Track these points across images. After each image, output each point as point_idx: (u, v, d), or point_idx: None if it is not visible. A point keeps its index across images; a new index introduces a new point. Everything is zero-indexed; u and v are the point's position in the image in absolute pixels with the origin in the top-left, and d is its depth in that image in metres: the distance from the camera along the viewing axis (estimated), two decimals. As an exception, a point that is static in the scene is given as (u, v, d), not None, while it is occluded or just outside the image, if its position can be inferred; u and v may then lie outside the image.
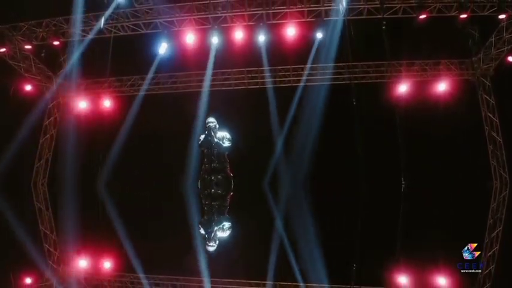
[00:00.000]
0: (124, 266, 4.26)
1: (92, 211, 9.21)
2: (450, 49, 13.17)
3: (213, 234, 5.73)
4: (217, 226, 6.40)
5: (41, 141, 14.88)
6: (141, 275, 3.81)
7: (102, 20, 11.09)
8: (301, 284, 3.56)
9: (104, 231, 6.27)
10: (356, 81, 13.72)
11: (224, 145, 10.71)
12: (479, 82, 13.31)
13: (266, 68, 13.76)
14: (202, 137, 10.75)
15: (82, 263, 4.44)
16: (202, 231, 6.18)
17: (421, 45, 12.72)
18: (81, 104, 15.04)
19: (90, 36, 11.67)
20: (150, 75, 13.93)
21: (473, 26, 11.90)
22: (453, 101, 12.92)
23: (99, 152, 13.33)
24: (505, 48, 12.04)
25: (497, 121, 12.94)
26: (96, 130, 13.93)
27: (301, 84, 14.18)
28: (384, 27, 11.04)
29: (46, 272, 3.94)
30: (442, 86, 13.49)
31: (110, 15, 11.45)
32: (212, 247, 4.97)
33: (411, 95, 13.44)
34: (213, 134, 10.52)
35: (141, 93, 14.51)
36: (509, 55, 12.19)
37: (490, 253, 4.19)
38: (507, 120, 12.70)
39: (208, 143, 10.58)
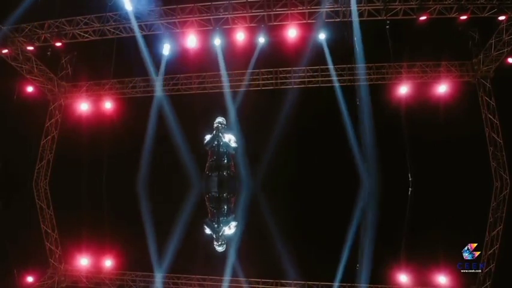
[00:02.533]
0: (126, 264, 4.28)
1: (93, 210, 9.24)
2: (450, 51, 13.24)
3: (220, 233, 5.73)
4: (223, 225, 6.39)
5: (42, 142, 14.95)
6: (143, 273, 3.84)
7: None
8: (303, 282, 3.58)
9: (106, 230, 6.29)
10: (354, 83, 13.80)
11: (232, 145, 10.60)
12: (480, 84, 13.36)
13: (266, 69, 13.83)
14: (208, 136, 10.62)
15: (83, 261, 4.46)
16: (207, 230, 6.18)
17: (422, 47, 12.78)
18: (83, 106, 15.14)
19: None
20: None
21: (473, 27, 11.97)
22: (453, 103, 12.98)
23: (102, 151, 13.40)
24: (505, 49, 12.07)
25: (498, 122, 12.98)
26: (98, 131, 14.04)
27: (302, 86, 14.28)
28: (387, 27, 11.09)
29: (48, 271, 3.96)
30: (442, 88, 13.54)
31: (112, 17, 11.55)
32: (219, 246, 4.98)
33: (411, 97, 13.49)
34: (220, 134, 10.42)
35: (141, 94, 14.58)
36: (509, 57, 12.24)
37: (490, 252, 4.20)
38: (507, 121, 12.73)
39: (215, 142, 10.48)
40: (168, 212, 8.94)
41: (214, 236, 5.61)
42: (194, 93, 14.70)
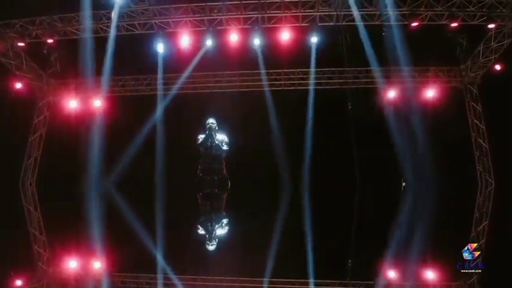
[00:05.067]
0: (115, 266, 4.27)
1: (81, 210, 9.15)
2: (439, 56, 13.40)
3: (212, 233, 5.78)
4: (215, 225, 6.45)
5: (30, 139, 14.68)
6: (132, 275, 3.83)
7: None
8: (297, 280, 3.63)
9: (95, 230, 6.25)
10: (346, 86, 13.89)
11: (223, 148, 10.76)
12: (467, 89, 13.58)
13: (259, 71, 13.83)
14: (201, 136, 10.73)
15: (72, 263, 4.43)
16: (200, 230, 6.21)
17: (410, 51, 12.91)
18: (71, 104, 14.92)
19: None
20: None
21: (462, 34, 12.17)
22: (441, 108, 13.17)
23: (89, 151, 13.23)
24: (493, 56, 12.31)
25: (484, 128, 13.20)
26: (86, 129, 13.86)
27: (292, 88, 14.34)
28: (383, 34, 11.18)
29: (36, 274, 3.92)
30: (430, 93, 13.73)
31: (105, 15, 11.43)
32: (211, 246, 5.02)
33: (399, 101, 13.66)
34: (213, 134, 10.59)
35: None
36: (496, 63, 12.48)
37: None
38: (493, 127, 12.97)
39: (208, 143, 10.63)
40: (159, 213, 8.91)
41: (206, 236, 5.66)
42: (186, 93, 14.58)
